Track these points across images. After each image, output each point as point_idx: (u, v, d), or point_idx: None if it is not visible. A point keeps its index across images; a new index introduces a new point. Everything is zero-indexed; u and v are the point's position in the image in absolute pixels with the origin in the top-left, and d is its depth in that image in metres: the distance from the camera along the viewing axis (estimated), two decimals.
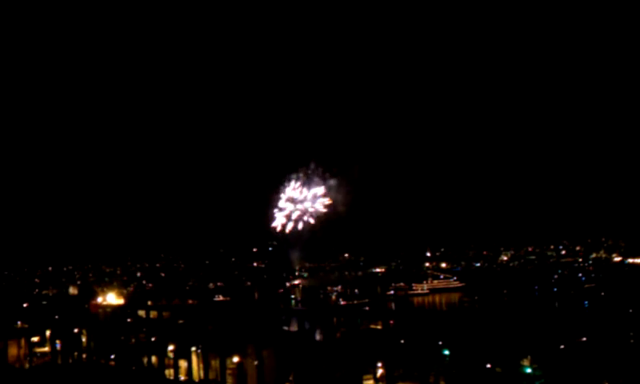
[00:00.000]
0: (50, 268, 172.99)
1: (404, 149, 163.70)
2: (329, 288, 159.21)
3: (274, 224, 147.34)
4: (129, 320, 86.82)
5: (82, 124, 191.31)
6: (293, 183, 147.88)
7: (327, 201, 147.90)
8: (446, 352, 54.57)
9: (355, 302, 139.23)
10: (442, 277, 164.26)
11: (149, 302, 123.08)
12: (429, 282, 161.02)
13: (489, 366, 49.35)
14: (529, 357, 49.72)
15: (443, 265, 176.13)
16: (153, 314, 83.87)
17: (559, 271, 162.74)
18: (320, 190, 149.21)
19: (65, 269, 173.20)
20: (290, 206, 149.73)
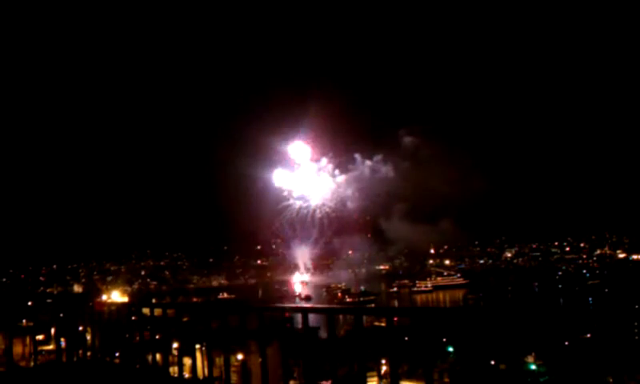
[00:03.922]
0: (54, 266, 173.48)
1: (406, 148, 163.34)
2: (334, 285, 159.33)
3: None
4: (133, 318, 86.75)
5: (84, 121, 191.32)
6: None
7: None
8: (451, 349, 54.47)
9: (361, 299, 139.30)
10: (445, 274, 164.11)
11: (153, 300, 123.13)
12: (432, 279, 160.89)
13: (493, 362, 49.26)
14: (533, 353, 49.58)
15: (447, 262, 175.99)
16: (157, 311, 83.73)
17: (563, 268, 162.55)
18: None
19: (69, 267, 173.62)
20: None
